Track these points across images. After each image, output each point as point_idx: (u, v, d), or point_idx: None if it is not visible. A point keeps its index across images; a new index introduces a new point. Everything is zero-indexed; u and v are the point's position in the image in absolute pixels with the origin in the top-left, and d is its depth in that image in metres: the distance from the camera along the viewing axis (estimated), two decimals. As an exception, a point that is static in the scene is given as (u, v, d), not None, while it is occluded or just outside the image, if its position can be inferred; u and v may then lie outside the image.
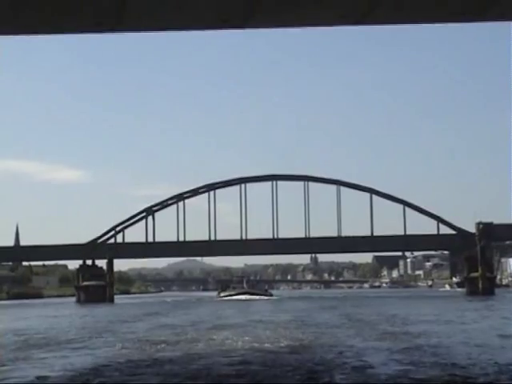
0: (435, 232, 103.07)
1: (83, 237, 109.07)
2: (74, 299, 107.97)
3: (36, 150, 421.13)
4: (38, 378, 17.73)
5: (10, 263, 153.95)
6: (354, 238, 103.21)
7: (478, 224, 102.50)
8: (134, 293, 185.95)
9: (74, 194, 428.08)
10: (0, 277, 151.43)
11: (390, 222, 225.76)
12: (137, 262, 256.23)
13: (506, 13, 17.37)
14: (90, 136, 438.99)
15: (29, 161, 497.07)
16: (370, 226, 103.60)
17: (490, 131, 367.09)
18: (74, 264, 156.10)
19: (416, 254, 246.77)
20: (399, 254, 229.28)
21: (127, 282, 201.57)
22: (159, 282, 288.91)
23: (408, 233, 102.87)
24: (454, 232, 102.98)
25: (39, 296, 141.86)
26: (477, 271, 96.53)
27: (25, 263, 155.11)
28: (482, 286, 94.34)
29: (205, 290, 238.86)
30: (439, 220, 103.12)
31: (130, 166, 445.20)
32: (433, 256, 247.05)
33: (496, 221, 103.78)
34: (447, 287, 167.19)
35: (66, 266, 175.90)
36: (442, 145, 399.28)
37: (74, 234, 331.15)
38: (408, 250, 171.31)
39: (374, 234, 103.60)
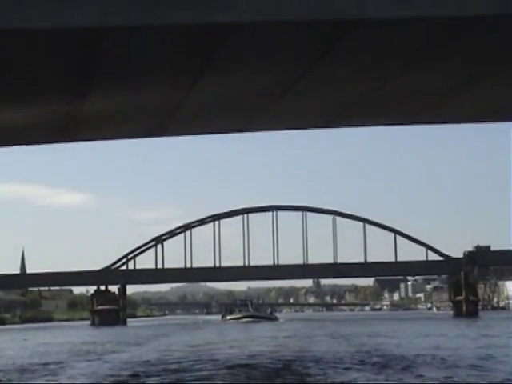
0: (424, 258, 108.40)
1: (88, 260, 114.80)
2: (84, 322, 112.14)
3: (36, 173, 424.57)
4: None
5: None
6: (348, 264, 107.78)
7: (476, 248, 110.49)
8: (140, 316, 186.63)
9: (75, 218, 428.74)
10: (11, 301, 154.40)
11: (382, 249, 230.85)
12: (140, 286, 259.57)
13: (438, 116, 23.84)
14: (91, 158, 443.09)
15: (29, 184, 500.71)
16: (363, 252, 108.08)
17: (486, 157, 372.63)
18: (79, 289, 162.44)
19: (417, 277, 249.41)
20: (400, 277, 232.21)
21: (133, 306, 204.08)
22: (163, 305, 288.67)
23: (399, 259, 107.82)
24: (441, 258, 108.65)
25: (50, 320, 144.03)
26: (462, 295, 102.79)
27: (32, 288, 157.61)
28: (466, 309, 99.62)
29: (208, 313, 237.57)
30: (428, 247, 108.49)
31: (132, 189, 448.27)
32: (433, 279, 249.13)
33: (494, 244, 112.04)
34: (434, 310, 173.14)
35: (71, 291, 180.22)
36: (440, 172, 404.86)
37: (77, 257, 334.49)
38: (399, 275, 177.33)
39: (368, 260, 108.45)
